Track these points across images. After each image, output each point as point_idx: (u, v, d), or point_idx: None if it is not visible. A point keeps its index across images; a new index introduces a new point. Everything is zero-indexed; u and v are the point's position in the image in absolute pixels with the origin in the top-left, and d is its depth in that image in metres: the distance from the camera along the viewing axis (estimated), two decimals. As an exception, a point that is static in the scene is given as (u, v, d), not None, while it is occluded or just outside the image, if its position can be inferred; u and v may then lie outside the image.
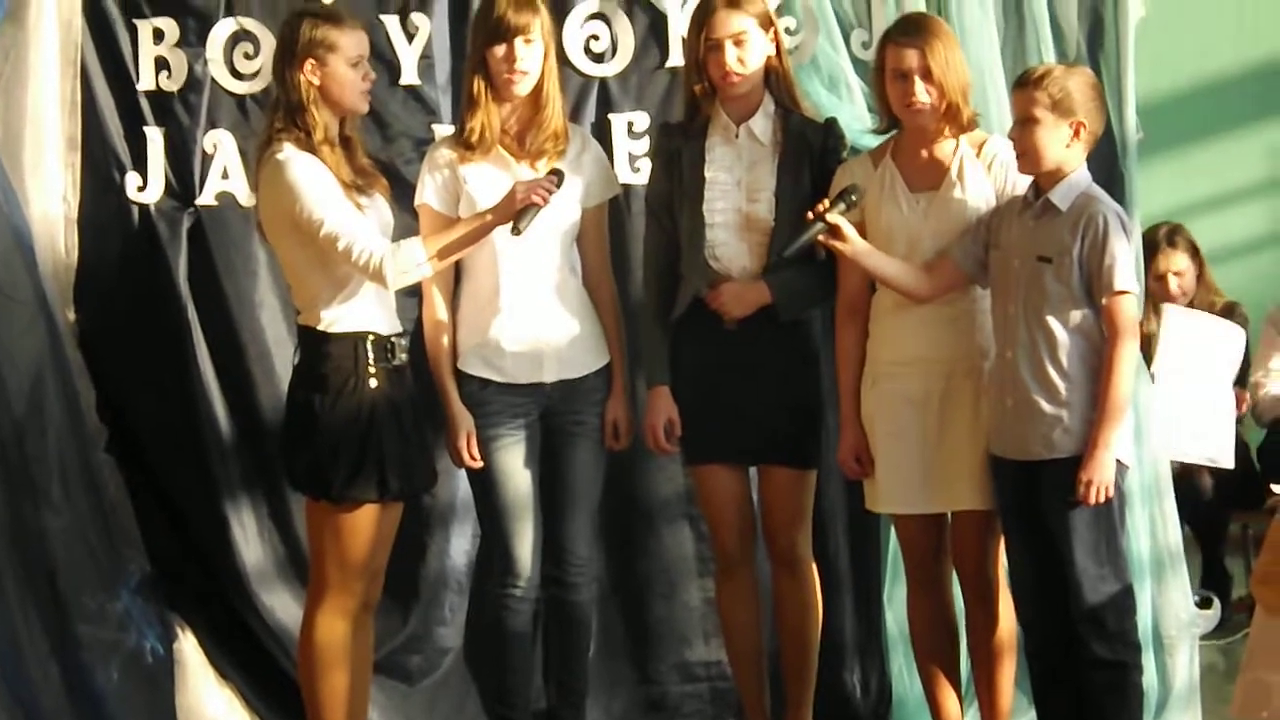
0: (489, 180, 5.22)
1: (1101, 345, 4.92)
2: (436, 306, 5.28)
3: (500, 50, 5.18)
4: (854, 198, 5.04)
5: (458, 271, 5.27)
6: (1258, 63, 8.02)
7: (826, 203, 5.03)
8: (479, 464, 5.24)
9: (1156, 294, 6.82)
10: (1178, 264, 7.02)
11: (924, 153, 5.14)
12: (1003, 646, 5.20)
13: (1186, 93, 7.99)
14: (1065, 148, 4.93)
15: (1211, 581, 7.02)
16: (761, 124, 5.27)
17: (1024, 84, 4.98)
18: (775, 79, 5.28)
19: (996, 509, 5.07)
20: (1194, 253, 7.09)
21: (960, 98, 5.06)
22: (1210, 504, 6.83)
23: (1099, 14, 5.90)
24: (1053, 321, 4.92)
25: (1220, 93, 8.04)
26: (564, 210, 5.22)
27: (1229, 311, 7.07)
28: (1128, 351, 4.91)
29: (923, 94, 5.04)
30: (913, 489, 5.12)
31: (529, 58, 5.19)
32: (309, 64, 5.04)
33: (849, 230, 5.02)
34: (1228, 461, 6.38)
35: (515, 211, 5.01)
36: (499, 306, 5.24)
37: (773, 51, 5.26)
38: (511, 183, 5.12)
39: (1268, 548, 4.98)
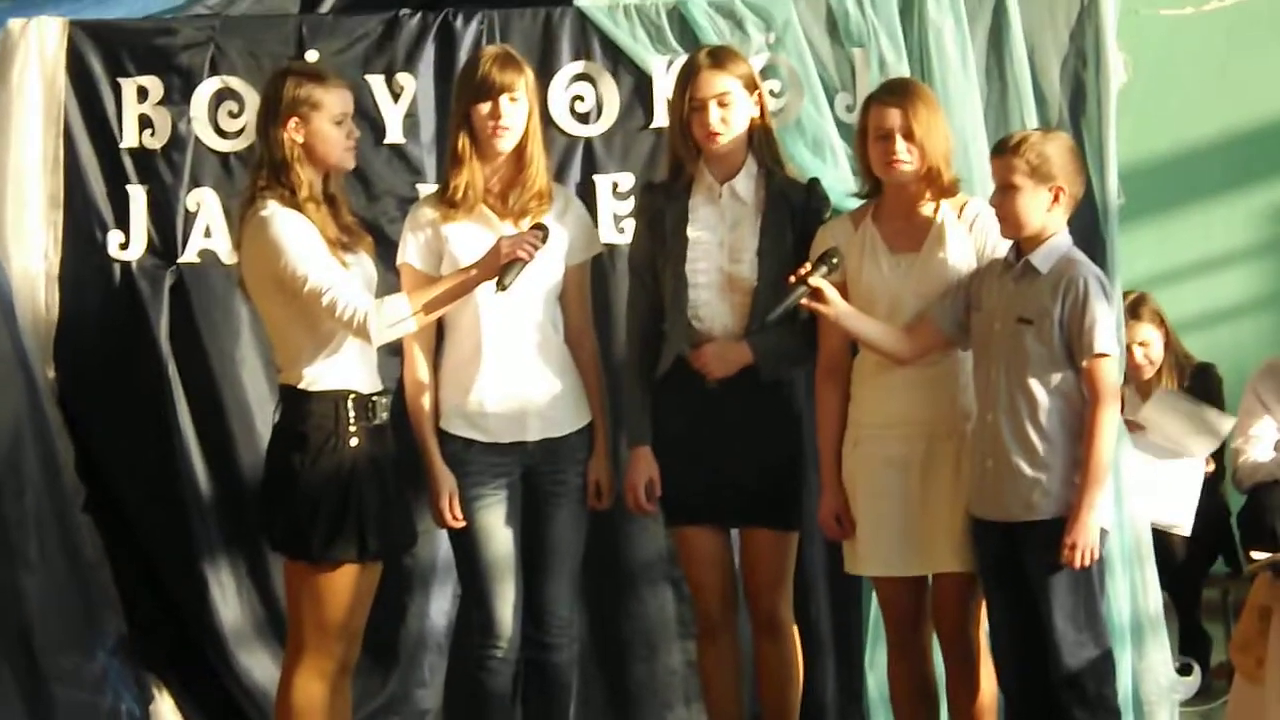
0: (472, 239, 5.21)
1: (1082, 408, 4.93)
2: (418, 365, 5.26)
3: (485, 108, 5.19)
4: (835, 260, 5.05)
5: (440, 330, 5.26)
6: (1240, 128, 8.05)
7: (809, 266, 5.03)
8: (461, 524, 5.22)
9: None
10: (1142, 335, 7.05)
11: (905, 214, 5.15)
12: (983, 710, 5.18)
13: (1168, 158, 8.01)
14: (1046, 212, 4.95)
15: (1190, 645, 7.01)
16: (745, 184, 5.28)
17: (1002, 151, 5.00)
18: (759, 140, 5.29)
19: (977, 571, 5.06)
20: (1159, 321, 7.12)
21: (942, 161, 5.08)
22: (1184, 567, 6.83)
23: (1081, 79, 5.93)
24: (1033, 383, 4.93)
25: (1202, 158, 8.06)
26: (547, 269, 5.22)
27: (1202, 373, 7.10)
28: (1110, 414, 4.92)
29: (904, 153, 5.05)
30: (894, 551, 5.11)
31: (513, 115, 5.20)
32: (293, 122, 5.04)
33: (831, 293, 5.03)
34: (1185, 529, 6.43)
35: (500, 267, 5.01)
36: (481, 365, 5.22)
37: (756, 113, 5.27)
38: (495, 241, 5.13)
39: (1246, 613, 4.98)
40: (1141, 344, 7.04)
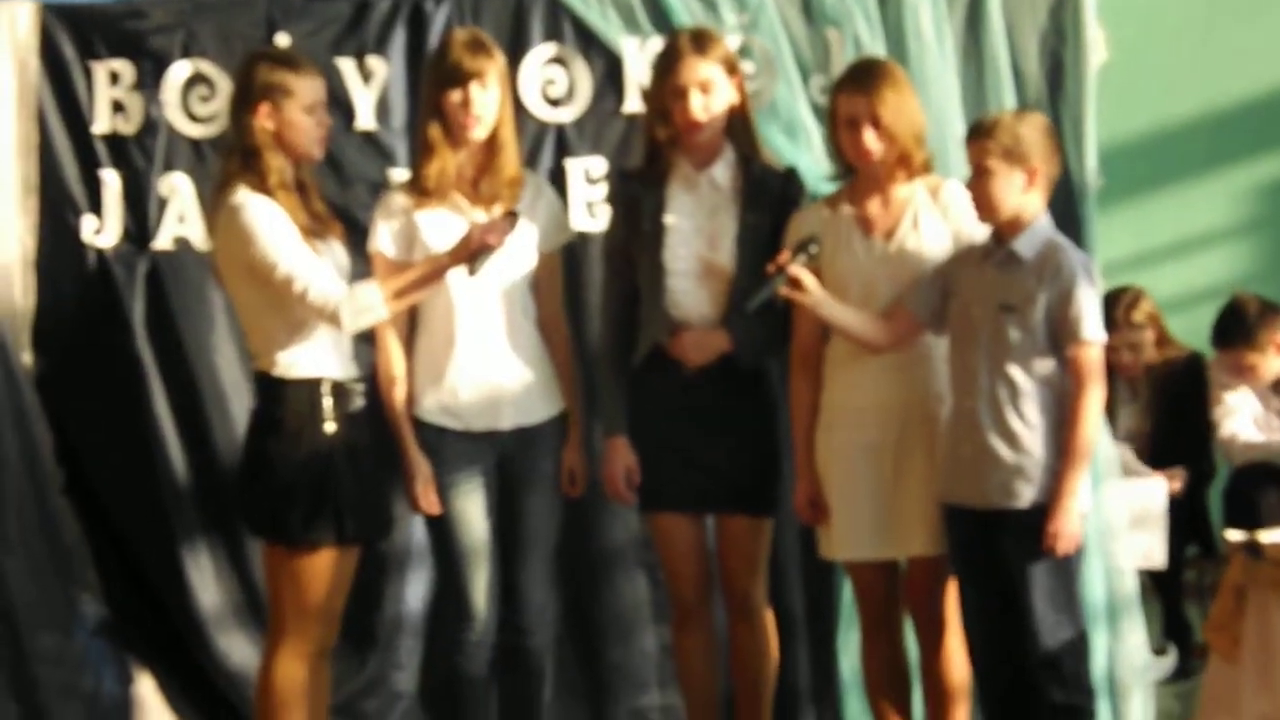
0: (444, 226, 5.21)
1: (1064, 394, 4.92)
2: (392, 354, 5.27)
3: (456, 96, 5.17)
4: (813, 249, 5.04)
5: (413, 319, 5.26)
6: (1219, 108, 8.02)
7: (788, 254, 5.03)
8: (437, 510, 5.23)
9: (1113, 365, 6.76)
10: (1136, 337, 7.05)
11: (879, 198, 5.14)
12: (956, 690, 5.18)
13: (1147, 138, 7.99)
14: (1021, 194, 4.93)
15: (1173, 629, 7.03)
16: (723, 171, 5.25)
17: (976, 135, 4.98)
18: (737, 125, 5.26)
19: (949, 556, 5.06)
20: (1154, 322, 7.12)
21: (912, 143, 5.06)
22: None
23: (1059, 58, 5.90)
24: (1015, 370, 4.92)
25: (1182, 137, 8.04)
26: (518, 257, 5.21)
27: (1193, 363, 7.09)
28: (1094, 400, 4.92)
29: (873, 142, 5.04)
30: (866, 535, 5.11)
31: (485, 103, 5.19)
32: (264, 108, 5.03)
33: (810, 281, 5.02)
34: (1160, 563, 6.48)
35: (471, 253, 5.01)
36: (454, 354, 5.23)
37: (736, 98, 5.24)
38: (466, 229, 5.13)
39: (1222, 594, 4.99)
40: (1132, 346, 7.04)
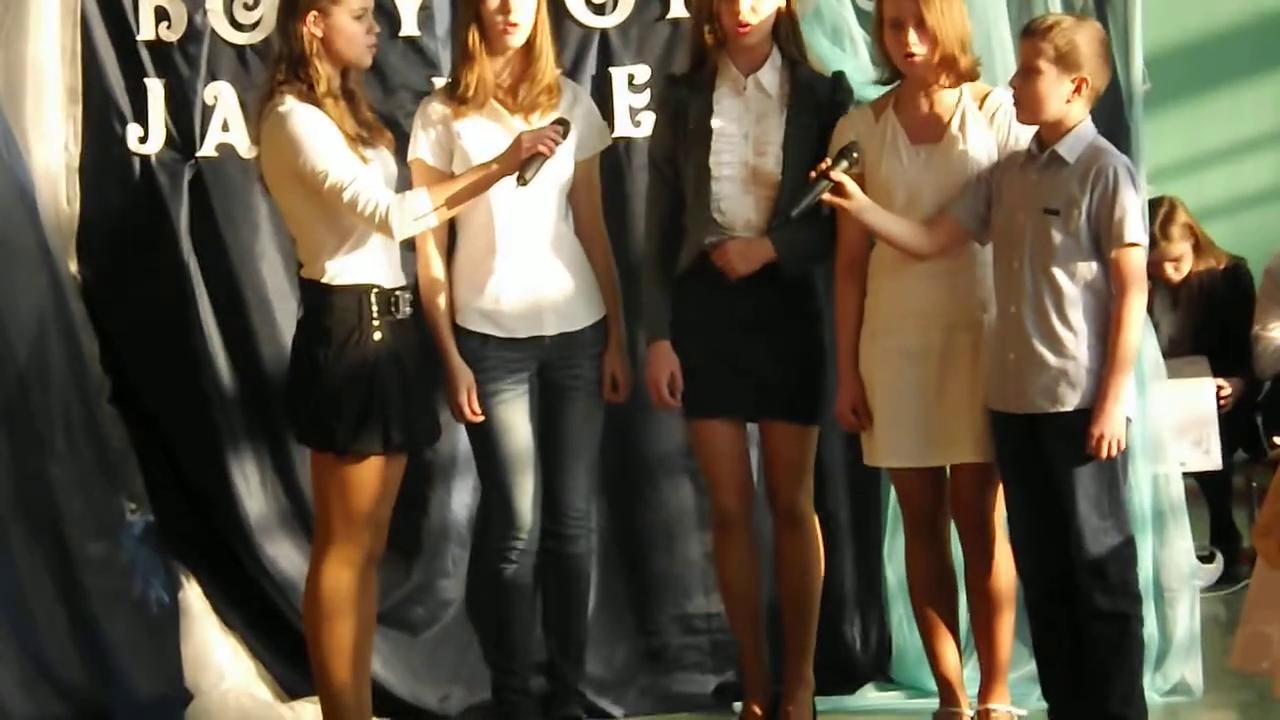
0: (484, 134, 5.21)
1: (1107, 298, 4.91)
2: (433, 262, 5.27)
3: (494, 1, 5.15)
4: (855, 155, 5.02)
5: (452, 228, 5.26)
6: (1266, 13, 7.97)
7: (829, 161, 5.00)
8: (480, 418, 5.25)
9: (1154, 276, 6.73)
10: (1175, 251, 7.03)
11: (925, 105, 5.11)
12: (1002, 598, 5.20)
13: (1195, 43, 7.94)
14: (1065, 102, 4.91)
15: (1220, 536, 7.03)
16: (770, 76, 5.24)
17: (1031, 33, 4.95)
18: (784, 30, 5.24)
19: (996, 462, 5.06)
20: (1189, 233, 7.08)
21: (957, 47, 5.03)
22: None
23: (1107, -37, 5.85)
24: (1059, 274, 4.91)
25: (1229, 43, 7.99)
26: (558, 164, 5.20)
27: (1235, 270, 7.06)
28: (1137, 303, 4.91)
29: (917, 44, 5.00)
30: (911, 443, 5.12)
31: (522, 9, 5.17)
32: (312, 16, 5.02)
33: (852, 187, 5.00)
34: (1216, 463, 6.47)
35: (521, 161, 5.00)
36: (496, 262, 5.23)
37: (783, 2, 5.22)
38: (506, 136, 5.12)
39: (1269, 499, 4.97)
40: (1173, 260, 7.02)
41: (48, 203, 5.80)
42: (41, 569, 5.66)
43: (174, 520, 5.92)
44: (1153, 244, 6.48)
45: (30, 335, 5.70)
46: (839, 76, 5.33)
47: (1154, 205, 6.94)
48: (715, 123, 5.23)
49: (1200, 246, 7.12)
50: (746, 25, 5.15)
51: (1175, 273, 7.05)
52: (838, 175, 4.98)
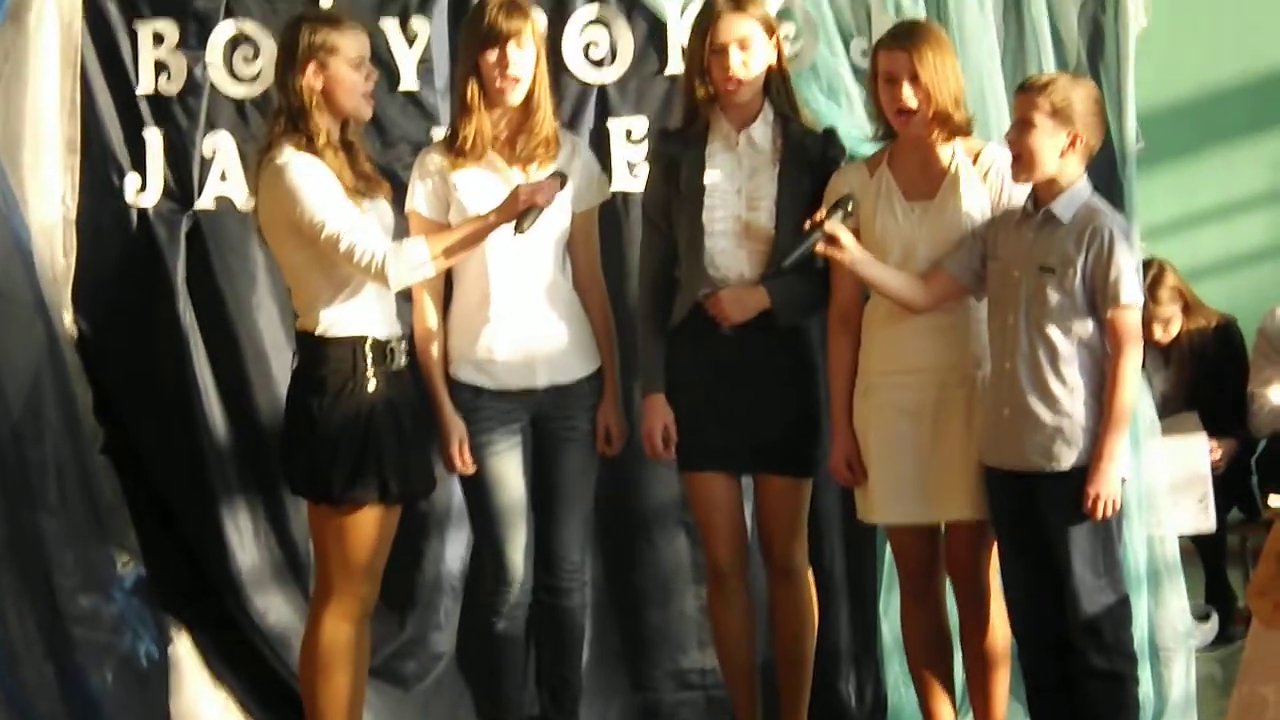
0: (481, 186, 5.22)
1: (1102, 357, 4.92)
2: (428, 313, 5.28)
3: (492, 55, 5.18)
4: (850, 206, 5.04)
5: (448, 278, 5.27)
6: (1259, 73, 8.00)
7: (824, 211, 5.02)
8: (471, 470, 5.24)
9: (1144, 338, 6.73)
10: (1163, 314, 7.05)
11: (919, 161, 5.13)
12: (997, 656, 5.19)
13: (1187, 103, 7.97)
14: (1060, 157, 4.92)
15: (1216, 596, 7.02)
16: (761, 131, 5.26)
17: (1027, 89, 4.97)
18: (775, 86, 5.27)
19: (991, 519, 5.06)
20: (1178, 295, 7.10)
21: (950, 103, 5.04)
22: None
23: (1099, 23, 5.88)
24: (1054, 332, 4.91)
25: (1221, 103, 8.02)
26: (554, 216, 5.21)
27: (1225, 328, 7.08)
28: (1133, 363, 4.91)
29: (910, 98, 5.02)
30: (906, 499, 5.11)
31: (521, 63, 5.19)
32: (311, 68, 5.04)
33: (847, 238, 5.01)
34: (1210, 526, 6.48)
35: (519, 212, 5.02)
36: (490, 313, 5.24)
37: (774, 58, 5.24)
38: (503, 188, 5.14)
39: (1264, 559, 4.96)
40: (1162, 321, 7.04)
41: (44, 254, 5.81)
42: (31, 621, 5.64)
43: (166, 573, 5.90)
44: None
45: (24, 387, 5.69)
46: (830, 133, 5.35)
47: (1144, 267, 6.95)
48: (708, 178, 5.24)
49: (1190, 307, 7.14)
50: (737, 80, 5.18)
51: (1164, 334, 7.07)
52: (832, 226, 4.99)
